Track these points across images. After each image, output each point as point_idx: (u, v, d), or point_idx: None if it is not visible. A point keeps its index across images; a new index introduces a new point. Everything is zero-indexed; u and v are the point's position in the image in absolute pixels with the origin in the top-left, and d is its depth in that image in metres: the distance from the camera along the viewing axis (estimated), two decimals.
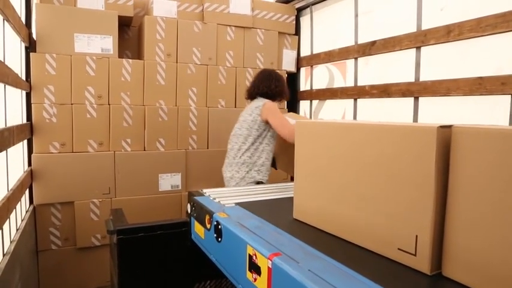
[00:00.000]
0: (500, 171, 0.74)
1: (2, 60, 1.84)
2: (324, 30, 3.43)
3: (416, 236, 0.88)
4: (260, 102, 2.41)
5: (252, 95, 2.55)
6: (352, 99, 3.02)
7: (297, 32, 3.66)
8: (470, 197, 0.80)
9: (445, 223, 0.85)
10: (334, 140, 1.13)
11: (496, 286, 0.74)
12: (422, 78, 2.41)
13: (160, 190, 2.96)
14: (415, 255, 0.89)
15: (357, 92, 2.94)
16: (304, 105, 3.72)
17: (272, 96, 2.48)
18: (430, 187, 0.85)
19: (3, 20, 1.96)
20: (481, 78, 2.00)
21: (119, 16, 2.81)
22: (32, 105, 2.59)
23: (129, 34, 3.25)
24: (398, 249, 0.93)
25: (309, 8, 3.53)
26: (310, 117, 3.59)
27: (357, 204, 1.05)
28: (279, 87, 2.50)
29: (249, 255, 1.09)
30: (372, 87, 2.77)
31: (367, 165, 1.02)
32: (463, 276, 0.82)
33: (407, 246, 0.91)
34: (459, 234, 0.82)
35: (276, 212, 1.44)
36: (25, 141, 2.60)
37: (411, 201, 0.90)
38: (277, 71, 2.66)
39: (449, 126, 0.84)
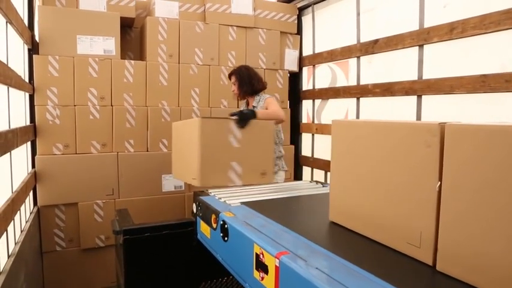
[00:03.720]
0: (487, 166, 0.77)
1: (5, 63, 1.84)
2: (326, 29, 3.42)
3: (421, 232, 0.93)
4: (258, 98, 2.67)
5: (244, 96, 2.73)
6: (355, 98, 3.01)
7: (299, 31, 3.65)
8: (458, 194, 0.83)
9: (439, 219, 0.88)
10: (362, 139, 1.15)
11: (482, 277, 0.78)
12: (425, 77, 2.40)
13: (163, 191, 2.96)
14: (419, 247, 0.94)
15: (359, 91, 2.93)
16: (306, 104, 3.72)
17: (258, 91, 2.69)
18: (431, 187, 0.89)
19: (6, 22, 1.96)
20: (484, 75, 1.99)
21: (121, 17, 2.82)
22: (35, 107, 2.60)
23: (131, 35, 3.25)
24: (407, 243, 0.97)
25: (310, 7, 3.53)
26: (313, 117, 3.59)
27: (382, 203, 1.07)
28: (260, 83, 2.71)
29: (256, 254, 1.09)
30: (375, 86, 2.77)
31: (388, 164, 1.04)
32: (452, 269, 0.85)
33: (413, 240, 0.95)
34: (448, 229, 0.86)
35: (282, 211, 1.44)
36: (29, 143, 2.60)
37: (415, 200, 0.95)
38: (245, 66, 2.76)
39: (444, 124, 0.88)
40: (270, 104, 2.52)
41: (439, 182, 0.87)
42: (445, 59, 2.28)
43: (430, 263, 0.91)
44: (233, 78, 2.68)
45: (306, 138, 3.71)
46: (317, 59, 3.48)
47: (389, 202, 1.03)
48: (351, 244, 1.09)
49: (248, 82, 2.62)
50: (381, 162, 1.06)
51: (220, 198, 1.60)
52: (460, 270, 0.83)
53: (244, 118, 2.05)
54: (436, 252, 0.89)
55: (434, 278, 0.87)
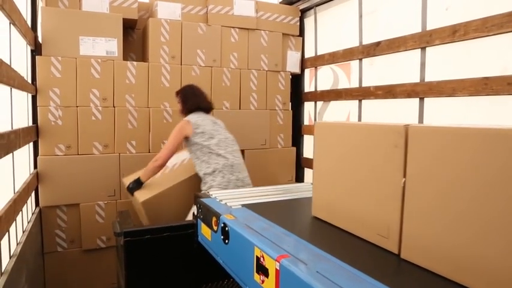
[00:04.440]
0: (445, 165, 0.86)
1: (9, 64, 1.85)
2: (328, 31, 3.42)
3: (388, 224, 1.02)
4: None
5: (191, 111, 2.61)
6: (357, 101, 3.01)
7: (301, 33, 3.65)
8: (420, 189, 0.92)
9: (403, 212, 0.97)
10: (340, 139, 1.23)
11: (440, 264, 0.88)
12: (427, 79, 2.40)
13: None
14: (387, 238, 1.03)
15: (361, 93, 2.93)
16: (308, 106, 3.72)
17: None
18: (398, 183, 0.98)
19: (10, 23, 1.97)
20: (487, 78, 1.99)
21: (123, 19, 2.83)
22: (38, 107, 2.61)
23: (134, 36, 3.26)
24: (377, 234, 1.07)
25: (312, 9, 3.53)
26: (315, 119, 3.59)
27: (357, 198, 1.15)
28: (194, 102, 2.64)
29: (257, 257, 1.09)
30: (377, 88, 2.76)
31: (362, 162, 1.13)
32: (414, 257, 0.95)
33: (383, 232, 1.05)
34: (411, 221, 0.95)
35: (283, 213, 1.43)
36: (31, 144, 2.61)
37: (384, 195, 1.04)
38: (190, 85, 2.72)
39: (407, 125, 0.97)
40: (170, 135, 2.48)
41: (404, 179, 0.96)
42: (447, 62, 2.28)
43: (396, 251, 1.00)
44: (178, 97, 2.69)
45: (307, 140, 3.71)
46: (319, 61, 3.48)
47: (363, 197, 1.12)
48: (351, 246, 1.09)
49: (187, 100, 2.61)
50: (355, 160, 1.15)
51: (221, 200, 1.60)
52: (421, 257, 0.92)
53: (131, 192, 2.44)
54: (400, 242, 0.98)
55: (398, 265, 0.96)
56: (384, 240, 1.03)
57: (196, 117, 2.50)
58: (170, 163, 2.56)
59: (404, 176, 0.96)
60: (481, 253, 0.77)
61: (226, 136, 2.54)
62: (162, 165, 2.44)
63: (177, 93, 2.69)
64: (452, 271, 0.84)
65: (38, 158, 2.61)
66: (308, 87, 3.72)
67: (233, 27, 3.25)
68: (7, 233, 1.72)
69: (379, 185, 1.05)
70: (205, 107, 2.64)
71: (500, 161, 0.74)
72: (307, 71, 3.72)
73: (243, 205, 1.52)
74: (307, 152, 3.70)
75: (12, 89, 2.01)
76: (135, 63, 2.89)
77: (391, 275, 0.92)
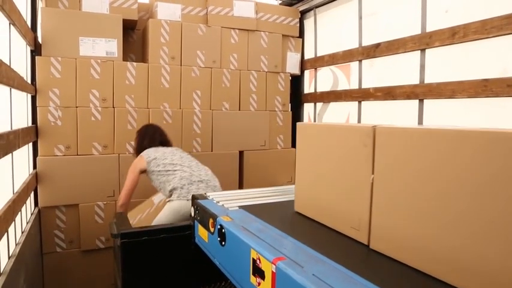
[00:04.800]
0: (408, 162, 0.93)
1: (8, 64, 1.85)
2: (328, 33, 3.42)
3: (359, 217, 1.10)
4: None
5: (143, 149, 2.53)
6: (357, 102, 3.01)
7: (301, 34, 3.66)
8: (386, 185, 1.00)
9: (372, 206, 1.05)
10: (318, 139, 1.33)
11: (404, 253, 0.96)
12: (427, 81, 2.40)
13: None
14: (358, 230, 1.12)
15: (361, 95, 2.93)
16: (308, 107, 3.72)
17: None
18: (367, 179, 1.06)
19: (10, 24, 1.97)
20: (486, 80, 1.99)
21: (123, 19, 2.83)
22: (37, 108, 2.61)
23: (134, 37, 3.26)
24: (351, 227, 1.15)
25: (312, 11, 3.53)
26: (315, 120, 3.59)
27: (332, 193, 1.24)
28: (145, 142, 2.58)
29: (253, 259, 1.09)
30: (377, 89, 2.76)
31: (337, 160, 1.22)
32: (381, 247, 1.03)
33: (355, 225, 1.13)
34: (378, 214, 1.03)
35: (280, 215, 1.43)
36: (30, 144, 2.62)
37: (355, 191, 1.12)
38: (146, 125, 2.69)
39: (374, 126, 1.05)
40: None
41: (372, 175, 1.03)
42: (447, 64, 2.28)
43: (366, 242, 1.07)
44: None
45: None
46: (319, 62, 3.48)
47: (338, 193, 1.20)
48: (346, 248, 1.09)
49: (142, 141, 2.55)
50: (331, 159, 1.23)
51: (218, 202, 1.60)
52: (387, 247, 1.01)
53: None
54: (369, 233, 1.06)
55: (367, 254, 1.04)
56: (356, 232, 1.11)
57: (147, 150, 2.44)
58: (156, 199, 2.53)
59: (373, 172, 1.03)
60: (439, 242, 0.85)
61: (182, 155, 2.45)
62: (124, 204, 2.38)
63: (136, 133, 2.64)
64: (415, 259, 0.92)
65: (37, 158, 2.61)
66: (308, 88, 3.72)
67: (233, 29, 3.25)
68: (6, 233, 1.72)
69: (351, 181, 1.13)
70: (161, 143, 2.57)
71: (460, 159, 0.81)
72: (306, 72, 3.72)
73: (240, 207, 1.51)
74: None
75: (12, 90, 2.01)
76: (134, 64, 2.89)
77: (360, 263, 0.98)
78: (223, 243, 1.30)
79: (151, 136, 2.57)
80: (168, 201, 2.22)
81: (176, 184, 2.23)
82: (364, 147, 1.06)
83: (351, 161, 1.13)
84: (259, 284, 1.06)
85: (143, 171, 2.38)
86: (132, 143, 2.85)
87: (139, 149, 2.51)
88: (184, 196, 2.17)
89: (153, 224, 2.09)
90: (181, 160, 2.39)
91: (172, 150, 2.49)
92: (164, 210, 2.18)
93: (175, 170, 2.30)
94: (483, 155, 0.76)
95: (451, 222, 0.82)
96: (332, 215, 1.23)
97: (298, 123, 1.45)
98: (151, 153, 2.40)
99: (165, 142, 2.61)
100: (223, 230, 1.30)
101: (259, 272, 1.05)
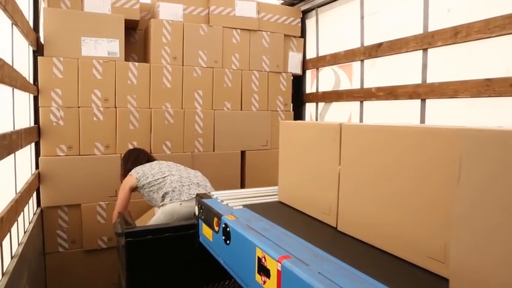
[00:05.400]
0: (370, 155, 1.08)
1: (11, 64, 1.85)
2: (329, 33, 3.42)
3: (330, 203, 1.26)
4: None
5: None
6: (359, 102, 3.00)
7: (303, 34, 3.66)
8: (350, 176, 1.16)
9: (339, 193, 1.22)
10: (296, 136, 1.49)
11: (365, 233, 1.12)
12: (429, 80, 2.39)
13: None
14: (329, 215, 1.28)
15: (363, 95, 2.93)
16: (310, 107, 3.72)
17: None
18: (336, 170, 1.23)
19: (12, 24, 1.97)
20: (489, 79, 1.99)
21: (125, 20, 2.83)
22: (40, 108, 2.61)
23: (136, 37, 3.26)
24: (322, 212, 1.32)
25: (314, 11, 3.53)
26: (316, 120, 3.59)
27: (308, 183, 1.40)
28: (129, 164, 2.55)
29: (258, 257, 1.09)
30: (379, 89, 2.76)
31: (311, 154, 1.37)
32: (347, 229, 1.19)
33: (326, 210, 1.30)
34: (344, 200, 1.20)
35: (284, 214, 1.43)
36: (33, 144, 2.62)
37: (326, 181, 1.28)
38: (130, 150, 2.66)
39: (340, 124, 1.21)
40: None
41: (339, 167, 1.19)
42: (449, 63, 2.27)
43: (334, 225, 1.24)
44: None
45: None
46: (320, 62, 3.48)
47: (311, 183, 1.36)
48: (353, 248, 1.09)
49: (126, 163, 2.53)
50: (307, 152, 1.39)
51: (222, 201, 1.60)
52: (353, 229, 1.16)
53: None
54: (337, 217, 1.23)
55: (335, 235, 1.20)
56: (327, 216, 1.28)
57: (135, 169, 2.41)
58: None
59: (340, 164, 1.20)
60: (388, 222, 1.02)
61: (168, 164, 2.44)
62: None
63: (121, 160, 2.62)
64: (380, 240, 1.06)
65: (39, 158, 2.61)
66: (309, 88, 3.72)
67: (235, 28, 3.25)
68: (8, 233, 1.72)
69: (323, 172, 1.28)
70: (147, 161, 2.53)
71: (412, 153, 0.95)
72: (308, 72, 3.72)
73: (245, 205, 1.52)
74: None
75: (14, 90, 2.01)
76: (136, 64, 2.89)
77: (328, 243, 1.13)
78: (228, 241, 1.30)
79: (134, 158, 2.54)
80: (161, 205, 2.20)
81: (167, 189, 2.20)
82: (333, 142, 1.21)
83: (322, 154, 1.28)
84: (264, 282, 1.06)
85: (134, 189, 2.34)
86: (135, 142, 2.86)
87: (125, 173, 2.47)
88: (177, 198, 2.15)
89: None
90: (169, 167, 2.38)
91: (158, 161, 2.48)
92: (158, 214, 2.16)
93: (164, 177, 2.28)
94: (418, 148, 0.93)
95: (395, 203, 1.00)
96: (307, 203, 1.40)
97: (281, 122, 1.58)
98: (139, 169, 2.37)
99: (150, 159, 2.58)
100: (228, 229, 1.30)
101: (264, 271, 1.05)
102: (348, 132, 1.17)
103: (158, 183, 2.26)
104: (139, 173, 2.33)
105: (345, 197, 1.18)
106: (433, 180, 0.89)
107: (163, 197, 2.20)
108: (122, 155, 2.67)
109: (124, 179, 2.42)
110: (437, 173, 0.88)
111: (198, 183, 2.29)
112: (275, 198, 1.66)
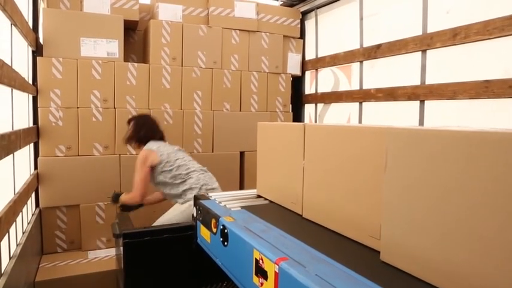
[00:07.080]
0: (328, 152, 1.23)
1: (10, 64, 1.85)
2: (329, 34, 3.43)
3: (297, 193, 1.41)
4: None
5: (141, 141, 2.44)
6: (358, 103, 3.01)
7: (302, 35, 3.66)
8: (312, 168, 1.32)
9: (303, 184, 1.38)
10: (271, 135, 1.64)
11: (326, 219, 1.26)
12: (428, 82, 2.40)
13: None
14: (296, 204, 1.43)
15: (362, 96, 2.93)
16: (309, 108, 3.72)
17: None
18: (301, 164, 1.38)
19: (11, 24, 1.97)
20: (487, 81, 1.99)
21: (124, 20, 2.83)
22: (39, 108, 2.61)
23: (135, 38, 3.26)
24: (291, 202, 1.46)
25: (313, 12, 3.53)
26: (315, 121, 3.59)
27: (280, 177, 1.54)
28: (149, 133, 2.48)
29: (256, 259, 1.08)
30: (378, 90, 2.76)
31: (282, 150, 1.53)
32: (309, 215, 1.35)
33: (294, 200, 1.44)
34: (307, 190, 1.35)
35: (282, 215, 1.43)
36: (31, 145, 2.61)
37: (294, 174, 1.43)
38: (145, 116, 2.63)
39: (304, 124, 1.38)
40: (136, 167, 2.28)
41: (304, 161, 1.35)
42: (448, 65, 2.28)
43: (300, 213, 1.39)
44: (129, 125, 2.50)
45: None
46: (320, 63, 3.48)
47: (282, 176, 1.51)
48: (350, 249, 1.09)
49: (140, 129, 2.43)
50: (279, 149, 1.55)
51: (220, 202, 1.60)
52: (314, 215, 1.32)
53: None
54: (302, 206, 1.38)
55: (300, 222, 1.34)
56: (294, 205, 1.43)
57: (156, 145, 2.33)
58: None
59: (304, 159, 1.34)
60: (340, 208, 1.18)
61: (187, 158, 2.42)
62: (141, 200, 2.32)
63: (129, 121, 2.51)
64: (334, 223, 1.22)
65: (38, 158, 2.61)
66: (309, 89, 3.72)
67: (234, 29, 3.25)
68: (7, 234, 1.71)
69: (292, 166, 1.43)
70: (160, 137, 2.48)
71: (355, 148, 1.11)
72: (307, 73, 3.72)
73: (243, 207, 1.51)
74: None
75: (13, 90, 2.01)
76: (136, 64, 2.89)
77: (294, 227, 1.26)
78: (225, 243, 1.30)
79: (150, 128, 2.45)
80: (178, 201, 2.21)
81: (193, 185, 2.20)
82: (299, 140, 1.38)
83: (291, 150, 1.44)
84: (261, 284, 1.05)
85: (153, 167, 2.26)
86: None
87: (136, 139, 2.39)
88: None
89: (158, 223, 2.09)
90: (192, 163, 2.37)
91: (173, 147, 2.43)
92: (175, 213, 2.15)
93: (192, 171, 2.27)
94: (358, 144, 1.09)
95: (358, 194, 1.12)
96: (280, 194, 1.55)
97: (258, 123, 1.70)
98: (162, 150, 2.29)
99: (163, 138, 2.53)
100: (225, 231, 1.30)
101: (262, 272, 1.05)
102: (310, 131, 1.34)
103: (181, 175, 2.23)
104: (164, 155, 2.26)
105: (309, 188, 1.35)
106: (370, 169, 1.05)
107: (184, 192, 2.20)
108: (128, 120, 2.53)
109: (132, 144, 2.38)
110: (373, 163, 1.03)
111: (215, 188, 2.30)
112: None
